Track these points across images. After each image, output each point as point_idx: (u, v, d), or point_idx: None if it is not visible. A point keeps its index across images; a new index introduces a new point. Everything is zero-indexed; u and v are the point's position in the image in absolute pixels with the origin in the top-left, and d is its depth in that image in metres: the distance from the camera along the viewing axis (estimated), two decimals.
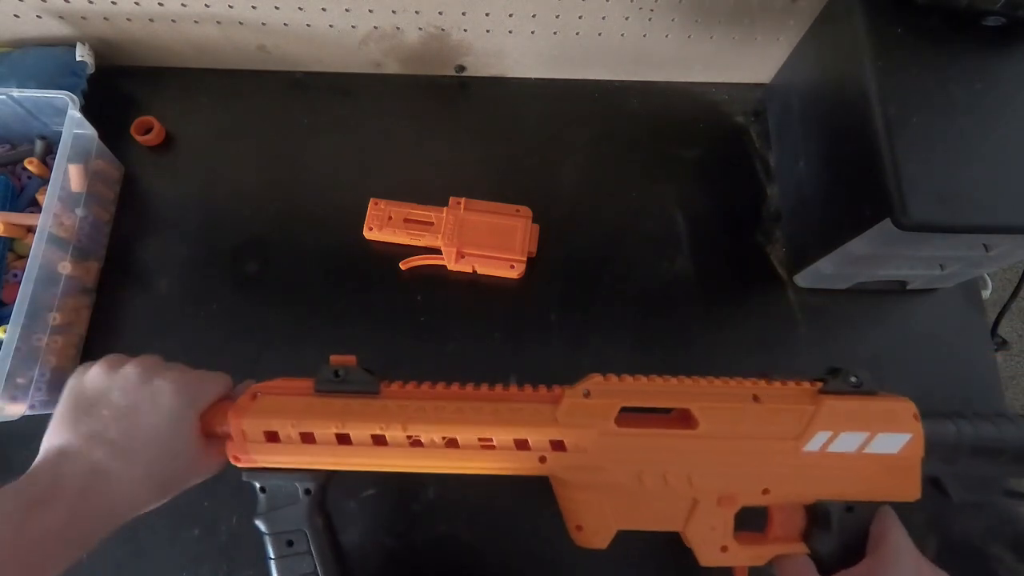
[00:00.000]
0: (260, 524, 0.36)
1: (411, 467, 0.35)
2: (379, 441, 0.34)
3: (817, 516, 0.36)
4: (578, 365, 0.52)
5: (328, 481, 0.37)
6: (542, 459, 0.34)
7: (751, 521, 0.36)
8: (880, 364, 0.55)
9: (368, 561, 0.48)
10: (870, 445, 0.34)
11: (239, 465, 0.35)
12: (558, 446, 0.34)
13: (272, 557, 0.36)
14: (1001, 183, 0.40)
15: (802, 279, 0.56)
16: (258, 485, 0.36)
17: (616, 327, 0.55)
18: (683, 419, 0.35)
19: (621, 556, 0.48)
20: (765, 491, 0.35)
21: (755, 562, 0.35)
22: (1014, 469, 0.36)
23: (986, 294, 0.58)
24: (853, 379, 0.36)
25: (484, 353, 0.53)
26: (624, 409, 0.34)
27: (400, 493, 0.49)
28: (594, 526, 0.35)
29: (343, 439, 0.34)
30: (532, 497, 0.49)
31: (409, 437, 0.34)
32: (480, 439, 0.34)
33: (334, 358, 0.36)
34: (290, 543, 0.36)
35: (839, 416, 0.34)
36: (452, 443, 0.34)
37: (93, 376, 0.35)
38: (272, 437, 0.34)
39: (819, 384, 0.36)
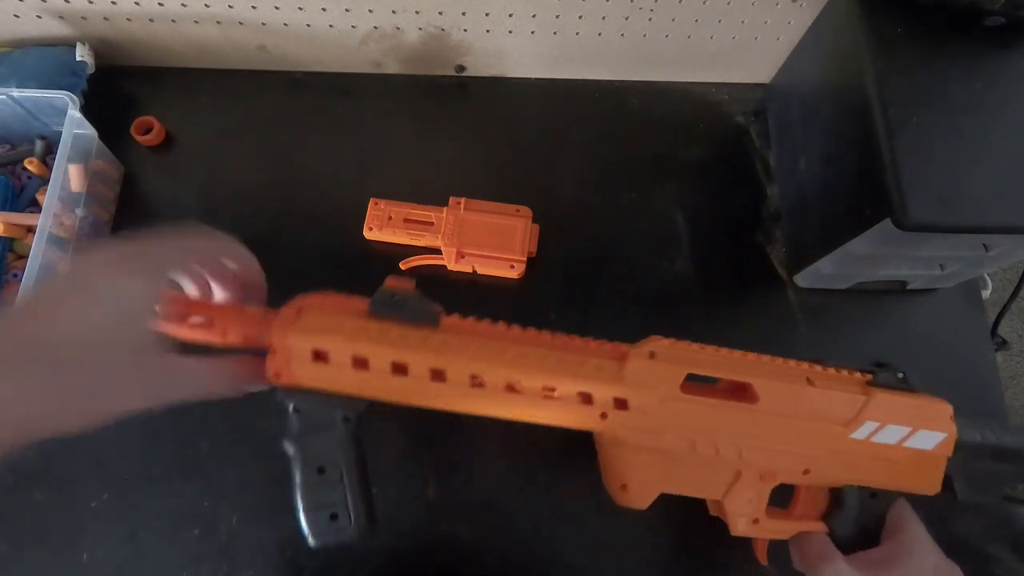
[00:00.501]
0: (290, 447, 0.33)
1: (466, 408, 0.33)
2: (437, 377, 0.32)
3: (840, 499, 0.36)
4: None
5: (367, 411, 0.34)
6: (603, 415, 0.33)
7: (775, 498, 0.37)
8: None
9: (368, 561, 0.48)
10: (911, 439, 0.35)
11: (278, 382, 0.32)
12: (621, 404, 0.33)
13: (299, 483, 0.33)
14: (1001, 183, 0.40)
15: (802, 279, 0.56)
16: (291, 406, 0.33)
17: (616, 327, 0.54)
18: (741, 392, 0.35)
19: (622, 557, 0.49)
20: (806, 471, 0.35)
21: (779, 535, 0.36)
22: (1021, 468, 0.37)
23: (986, 294, 0.58)
24: (900, 375, 0.37)
25: None
26: (689, 378, 0.34)
27: (400, 493, 0.49)
28: (639, 487, 0.34)
29: (399, 369, 0.31)
30: (532, 497, 0.49)
31: (472, 376, 0.32)
32: (544, 387, 0.32)
33: (390, 280, 0.34)
34: (321, 470, 0.33)
35: (887, 408, 0.35)
36: (513, 388, 0.32)
37: None
38: (320, 356, 0.31)
39: (868, 376, 0.37)
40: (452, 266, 0.54)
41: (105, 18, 0.55)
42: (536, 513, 0.49)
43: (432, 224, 0.55)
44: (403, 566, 0.48)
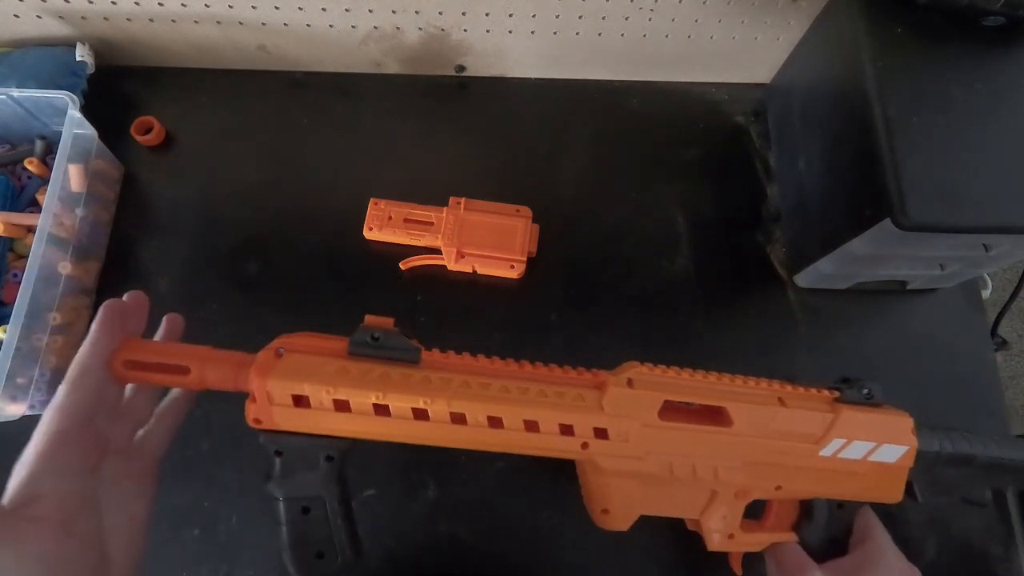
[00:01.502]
0: (274, 489, 0.33)
1: (450, 443, 0.33)
2: (420, 415, 0.32)
3: (809, 510, 0.39)
4: (578, 365, 0.52)
5: (351, 449, 0.33)
6: (584, 445, 0.33)
7: (747, 510, 0.39)
8: (880, 364, 0.55)
9: (368, 561, 0.48)
10: (875, 454, 0.37)
11: (259, 427, 0.32)
12: (601, 434, 0.34)
13: (284, 523, 0.33)
14: (1001, 183, 0.40)
15: (802, 279, 0.56)
16: (274, 449, 0.32)
17: (616, 327, 0.55)
18: (716, 415, 0.36)
19: (621, 557, 0.48)
20: (778, 487, 0.37)
21: (753, 548, 0.38)
22: (979, 475, 0.40)
23: (986, 294, 0.58)
24: (866, 391, 0.38)
25: (484, 353, 0.53)
26: (665, 405, 0.35)
27: (400, 493, 0.49)
28: (621, 510, 0.35)
29: (381, 410, 0.31)
30: (532, 497, 0.49)
31: (452, 414, 0.32)
32: (526, 421, 0.33)
33: (369, 319, 0.34)
34: (306, 510, 0.33)
35: (853, 425, 0.37)
36: (496, 423, 0.32)
37: None
38: (301, 402, 0.31)
39: (835, 393, 0.38)
40: (452, 266, 0.54)
41: (105, 18, 0.55)
42: (536, 513, 0.49)
43: (432, 224, 0.55)
44: (403, 566, 0.48)
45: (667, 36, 0.57)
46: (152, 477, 0.34)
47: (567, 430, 0.33)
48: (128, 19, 0.55)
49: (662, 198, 0.59)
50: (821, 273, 0.53)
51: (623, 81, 0.64)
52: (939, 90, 0.42)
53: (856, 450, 0.37)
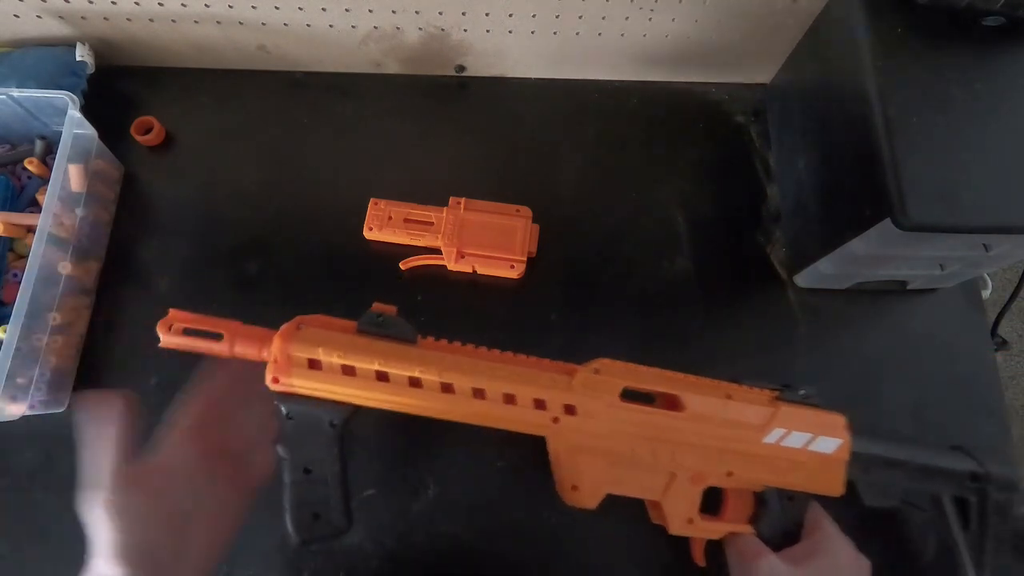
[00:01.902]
0: (281, 450, 0.37)
1: (438, 412, 0.37)
2: (415, 383, 0.37)
3: (763, 503, 0.42)
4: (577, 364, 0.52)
5: (352, 417, 0.38)
6: (555, 419, 0.38)
7: (709, 506, 0.43)
8: (880, 364, 0.55)
9: (368, 561, 0.48)
10: (812, 444, 0.41)
11: (275, 388, 0.36)
12: (570, 410, 0.38)
13: (288, 483, 0.37)
14: (1001, 183, 0.40)
15: (802, 279, 0.56)
16: (285, 411, 0.37)
17: (616, 327, 0.55)
18: (672, 404, 0.41)
19: (621, 557, 0.49)
20: (729, 473, 0.41)
21: (712, 535, 0.42)
22: (914, 480, 0.44)
23: (986, 294, 0.58)
24: (802, 392, 0.43)
25: None
26: (625, 390, 0.40)
27: (400, 493, 0.49)
28: (588, 487, 0.39)
29: (382, 376, 0.36)
30: (532, 497, 0.49)
31: (443, 384, 0.37)
32: (505, 394, 0.37)
33: (377, 305, 0.39)
34: (307, 471, 0.37)
35: (792, 418, 0.41)
36: (480, 394, 0.37)
37: None
38: (315, 365, 0.36)
39: (776, 392, 0.43)
40: (452, 266, 0.54)
41: (105, 18, 0.55)
42: (536, 513, 0.49)
43: (432, 224, 0.55)
44: (403, 566, 0.48)
45: (667, 36, 0.57)
46: (249, 494, 0.39)
47: (540, 404, 0.38)
48: (128, 19, 0.55)
49: (662, 198, 0.59)
50: (821, 273, 0.53)
51: (623, 81, 0.64)
52: (939, 90, 0.42)
53: (795, 440, 0.41)
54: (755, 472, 0.41)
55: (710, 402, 0.40)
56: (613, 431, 0.39)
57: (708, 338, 0.55)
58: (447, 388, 0.37)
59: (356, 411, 0.38)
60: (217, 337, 0.37)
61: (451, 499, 0.49)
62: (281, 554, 0.44)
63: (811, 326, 0.56)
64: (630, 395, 0.40)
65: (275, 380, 0.36)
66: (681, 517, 0.41)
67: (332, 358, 0.36)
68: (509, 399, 0.37)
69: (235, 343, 0.37)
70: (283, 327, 0.37)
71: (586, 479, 0.39)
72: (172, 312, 0.37)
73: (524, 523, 0.49)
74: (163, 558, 0.33)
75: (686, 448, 0.40)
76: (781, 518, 0.42)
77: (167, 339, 0.36)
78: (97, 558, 0.33)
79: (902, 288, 0.56)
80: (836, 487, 0.42)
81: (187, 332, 0.36)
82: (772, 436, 0.41)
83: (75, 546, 0.48)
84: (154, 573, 0.32)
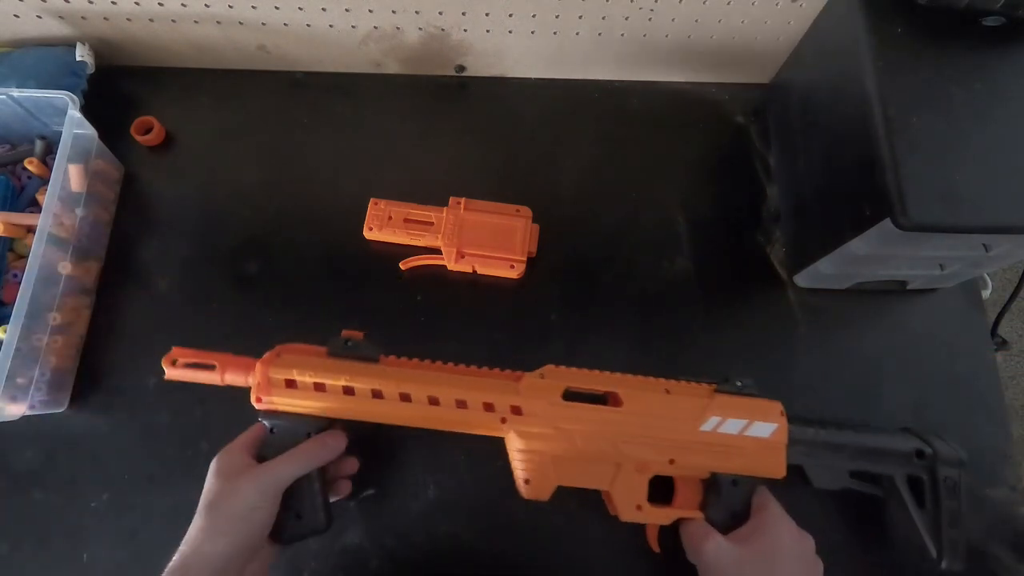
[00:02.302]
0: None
1: (400, 419, 0.42)
2: (377, 395, 0.41)
3: (710, 489, 0.44)
4: (577, 365, 0.52)
5: (327, 428, 0.43)
6: (503, 420, 0.42)
7: (662, 495, 0.45)
8: (880, 364, 0.55)
9: (368, 561, 0.48)
10: (748, 429, 0.44)
11: (259, 406, 0.41)
12: (516, 411, 0.42)
13: None
14: (1001, 183, 0.40)
15: (802, 279, 0.56)
16: (268, 425, 0.42)
17: (616, 327, 0.55)
18: (615, 402, 0.44)
19: (621, 557, 0.49)
20: (671, 461, 0.44)
21: (662, 521, 0.44)
22: (857, 461, 0.46)
23: (986, 294, 0.58)
24: (739, 383, 0.46)
25: (484, 353, 0.53)
26: (569, 391, 0.43)
27: (400, 493, 0.50)
28: (539, 481, 0.42)
29: (348, 391, 0.41)
30: None
31: (401, 394, 0.41)
32: (457, 400, 0.41)
33: (345, 332, 0.44)
34: None
35: (727, 407, 0.44)
36: (434, 401, 0.41)
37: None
38: (291, 384, 0.41)
39: (715, 385, 0.46)
40: (452, 266, 0.54)
41: (105, 18, 0.55)
42: (536, 513, 0.49)
43: (432, 224, 0.55)
44: (403, 566, 0.48)
45: (667, 36, 0.57)
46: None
47: (489, 407, 0.42)
48: (128, 19, 0.55)
49: (662, 198, 0.59)
50: (821, 273, 0.53)
51: (623, 81, 0.64)
52: (939, 90, 0.42)
53: (731, 426, 0.44)
54: (697, 459, 0.44)
55: (648, 397, 0.44)
56: (557, 428, 0.42)
57: (708, 338, 0.55)
58: (405, 397, 0.41)
59: (331, 423, 0.42)
60: (211, 367, 0.42)
61: (451, 499, 0.49)
62: (280, 554, 0.44)
63: (811, 326, 0.56)
64: (575, 396, 0.43)
65: (258, 399, 0.41)
66: (630, 505, 0.43)
67: (305, 377, 0.41)
68: (461, 404, 0.41)
69: (225, 371, 0.42)
70: (264, 355, 0.42)
71: (537, 473, 0.42)
72: (174, 349, 0.42)
73: (524, 523, 0.49)
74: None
75: (627, 440, 0.43)
76: (728, 502, 0.44)
77: (171, 372, 0.42)
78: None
79: (902, 288, 0.56)
80: (778, 470, 0.44)
81: (187, 365, 0.42)
82: (708, 424, 0.43)
83: (75, 546, 0.49)
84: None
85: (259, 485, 0.38)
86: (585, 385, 0.44)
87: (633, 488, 0.43)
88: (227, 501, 0.38)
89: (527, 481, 0.42)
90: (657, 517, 0.44)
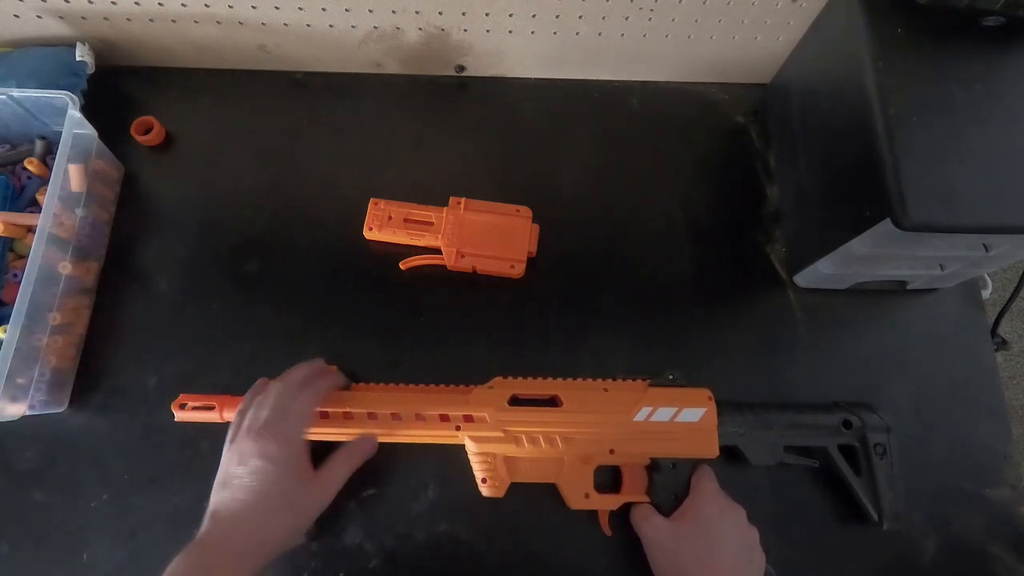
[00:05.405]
0: None
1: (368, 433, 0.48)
2: (348, 417, 0.47)
3: (653, 474, 0.48)
4: (578, 365, 0.52)
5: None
6: (458, 427, 0.47)
7: (612, 484, 0.49)
8: (880, 364, 0.55)
9: (368, 561, 0.48)
10: (679, 416, 0.48)
11: None
12: (468, 419, 0.47)
13: None
14: (1001, 183, 0.40)
15: (802, 279, 0.56)
16: None
17: (616, 327, 0.55)
18: (556, 403, 0.49)
19: (621, 557, 0.49)
20: (611, 451, 0.48)
21: (609, 507, 0.48)
22: (789, 436, 0.49)
23: (986, 294, 0.58)
24: (671, 376, 0.50)
25: (484, 353, 0.53)
26: (515, 398, 0.48)
27: (400, 493, 0.50)
28: (494, 479, 0.47)
29: (323, 415, 0.47)
30: (532, 497, 0.49)
31: (368, 413, 0.47)
32: (416, 414, 0.47)
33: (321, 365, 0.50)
34: None
35: (658, 398, 0.48)
36: (396, 416, 0.47)
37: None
38: None
39: (648, 380, 0.50)
40: (452, 266, 0.54)
41: (105, 18, 0.55)
42: (536, 513, 0.49)
43: (432, 224, 0.55)
44: (403, 566, 0.48)
45: (667, 36, 0.57)
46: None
47: (445, 418, 0.47)
48: (128, 19, 0.55)
49: (662, 198, 0.59)
50: (821, 273, 0.53)
51: (623, 81, 0.64)
52: (939, 90, 0.42)
53: (662, 414, 0.48)
54: (634, 447, 0.48)
55: (584, 396, 0.48)
56: (505, 431, 0.47)
57: (708, 338, 0.55)
58: (372, 416, 0.47)
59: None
60: (211, 408, 0.48)
61: (451, 499, 0.49)
62: (281, 555, 0.44)
63: (811, 326, 0.56)
64: (522, 402, 0.48)
65: None
66: (577, 494, 0.47)
67: None
68: (420, 417, 0.47)
69: (223, 409, 0.47)
70: (245, 396, 0.47)
71: (491, 473, 0.47)
72: (181, 396, 0.49)
73: (524, 523, 0.49)
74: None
75: (568, 436, 0.47)
76: (670, 484, 0.48)
77: (180, 415, 0.48)
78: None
79: (902, 288, 0.56)
80: (711, 451, 0.48)
81: (193, 408, 0.48)
82: (641, 415, 0.48)
83: (75, 546, 0.49)
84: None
85: (329, 493, 0.45)
86: (529, 392, 0.49)
87: (579, 478, 0.48)
88: (301, 500, 0.44)
89: (484, 480, 0.47)
90: (604, 503, 0.48)
